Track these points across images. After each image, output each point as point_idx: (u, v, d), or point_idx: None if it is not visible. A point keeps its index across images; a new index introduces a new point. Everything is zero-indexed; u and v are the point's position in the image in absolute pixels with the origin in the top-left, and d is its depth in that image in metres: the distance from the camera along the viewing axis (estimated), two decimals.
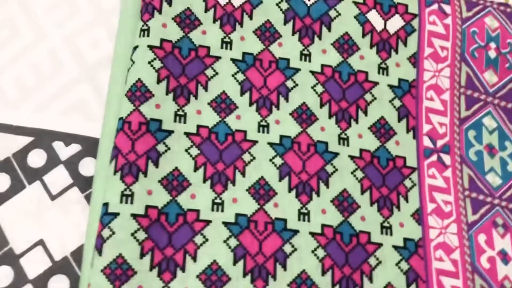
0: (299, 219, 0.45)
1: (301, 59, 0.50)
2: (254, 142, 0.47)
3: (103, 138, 0.47)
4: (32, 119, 0.49)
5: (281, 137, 0.47)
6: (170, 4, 0.48)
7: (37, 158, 0.48)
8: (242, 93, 0.48)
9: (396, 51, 0.52)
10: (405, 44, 0.52)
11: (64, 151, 0.48)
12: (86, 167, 0.48)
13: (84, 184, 0.47)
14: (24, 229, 0.46)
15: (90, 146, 0.48)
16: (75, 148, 0.48)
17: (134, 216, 0.42)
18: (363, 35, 0.52)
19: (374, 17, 0.52)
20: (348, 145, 0.48)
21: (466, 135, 0.50)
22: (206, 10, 0.49)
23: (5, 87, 0.50)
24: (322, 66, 0.50)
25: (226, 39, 0.49)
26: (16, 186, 0.47)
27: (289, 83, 0.49)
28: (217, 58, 0.48)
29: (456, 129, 0.50)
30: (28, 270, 0.44)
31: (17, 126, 0.49)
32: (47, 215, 0.46)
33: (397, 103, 0.50)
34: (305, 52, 0.50)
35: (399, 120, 0.50)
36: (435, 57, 0.52)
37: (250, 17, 0.50)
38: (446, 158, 0.49)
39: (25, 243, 0.45)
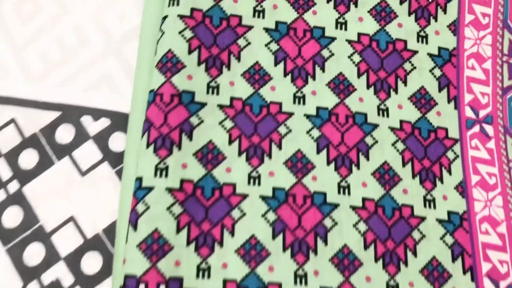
0: (339, 193, 0.43)
1: (336, 28, 0.48)
2: (290, 114, 0.45)
3: (133, 112, 0.45)
4: (58, 93, 0.48)
5: (318, 108, 0.45)
6: None
7: (65, 134, 0.46)
8: (276, 63, 0.46)
9: (436, 18, 0.50)
10: (444, 11, 0.50)
11: (93, 126, 0.46)
12: (116, 142, 0.46)
13: (115, 159, 0.46)
14: (54, 206, 0.44)
15: (119, 121, 0.47)
16: (104, 122, 0.47)
17: (169, 190, 0.41)
18: (401, 2, 0.50)
19: None
20: (388, 116, 0.46)
21: (509, 105, 0.48)
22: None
23: (29, 62, 0.49)
24: (359, 34, 0.48)
25: (258, 8, 0.47)
26: (45, 163, 0.46)
27: (325, 53, 0.47)
28: (250, 27, 0.47)
29: (499, 99, 0.48)
30: (60, 248, 0.43)
31: (43, 101, 0.47)
32: (77, 192, 0.45)
33: (438, 72, 0.48)
34: (341, 20, 0.48)
35: (440, 90, 0.48)
36: (476, 24, 0.50)
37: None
38: (489, 129, 0.47)
39: (56, 221, 0.44)
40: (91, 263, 0.43)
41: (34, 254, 0.43)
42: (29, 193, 0.45)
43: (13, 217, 0.44)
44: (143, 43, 0.47)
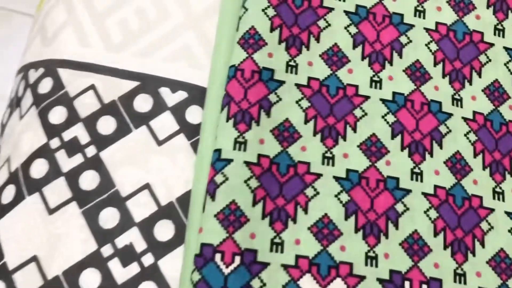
0: (411, 179, 0.44)
1: (415, 15, 0.48)
2: (366, 98, 0.45)
3: (211, 86, 0.46)
4: (137, 63, 0.49)
5: (394, 93, 0.46)
6: None
7: (143, 103, 0.47)
8: (355, 46, 0.47)
9: None
10: None
11: (171, 97, 0.47)
12: (193, 114, 0.47)
13: (191, 131, 0.46)
14: (131, 173, 0.45)
15: (196, 94, 0.47)
16: (181, 95, 0.47)
17: (247, 163, 0.42)
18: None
19: None
20: (461, 106, 0.46)
21: None
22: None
23: (109, 31, 0.50)
24: (437, 23, 0.48)
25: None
26: (122, 130, 0.47)
27: (403, 39, 0.47)
28: (330, 9, 0.47)
29: None
30: (134, 213, 0.44)
31: (123, 69, 0.48)
32: (154, 160, 0.46)
33: None
34: (420, 8, 0.48)
35: None
36: None
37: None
38: None
39: (131, 186, 0.45)
40: (164, 230, 0.44)
41: (109, 218, 0.44)
42: (106, 158, 0.46)
43: (89, 180, 0.45)
44: (223, 19, 0.48)
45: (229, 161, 0.42)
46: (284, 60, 0.45)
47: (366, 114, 0.45)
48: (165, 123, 0.47)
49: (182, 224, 0.44)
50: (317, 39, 0.46)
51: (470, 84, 0.47)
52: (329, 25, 0.47)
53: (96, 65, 0.49)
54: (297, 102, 0.45)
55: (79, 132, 0.47)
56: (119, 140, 0.46)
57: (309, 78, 0.45)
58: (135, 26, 0.50)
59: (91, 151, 0.46)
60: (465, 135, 0.46)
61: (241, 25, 0.46)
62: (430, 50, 0.47)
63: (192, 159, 0.46)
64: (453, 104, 0.46)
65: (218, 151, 0.42)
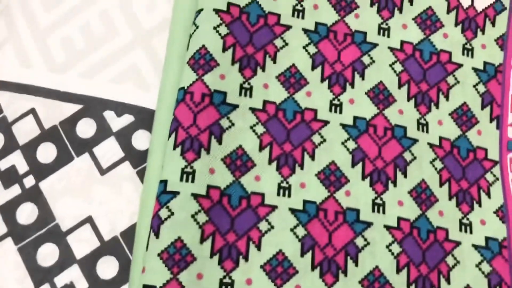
0: (373, 211, 0.41)
1: (379, 34, 0.45)
2: (325, 123, 0.42)
3: (160, 109, 0.43)
4: (81, 85, 0.45)
5: (355, 118, 0.43)
6: None
7: (86, 128, 0.44)
8: (314, 67, 0.43)
9: (483, 31, 0.47)
10: (493, 23, 0.47)
11: (116, 121, 0.44)
12: (140, 140, 0.44)
13: (137, 158, 0.43)
14: (72, 205, 0.42)
15: (144, 117, 0.44)
16: (127, 118, 0.44)
17: (195, 196, 0.38)
18: (448, 11, 0.47)
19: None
20: (427, 131, 0.43)
21: None
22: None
23: (52, 50, 0.46)
24: (402, 42, 0.45)
25: (298, 7, 0.44)
26: (63, 158, 0.43)
27: (366, 59, 0.44)
28: (288, 27, 0.44)
29: None
30: (75, 249, 0.41)
31: (65, 92, 0.45)
32: (96, 191, 0.42)
33: (481, 88, 0.46)
34: (384, 26, 0.45)
35: (483, 107, 0.45)
36: None
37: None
38: None
39: (72, 220, 0.42)
40: (107, 268, 0.40)
41: (47, 254, 0.41)
42: (46, 189, 0.42)
43: (27, 213, 0.42)
44: (173, 36, 0.44)
45: (175, 193, 0.38)
46: (237, 82, 0.42)
47: (325, 140, 0.42)
48: (109, 149, 0.43)
49: (127, 260, 0.41)
50: (274, 60, 0.43)
51: (437, 107, 0.44)
52: (287, 44, 0.44)
53: (37, 87, 0.45)
54: (251, 127, 0.41)
55: (17, 160, 0.43)
56: (60, 169, 0.43)
57: (265, 102, 0.42)
58: (80, 45, 0.46)
59: (29, 181, 0.43)
60: (430, 162, 0.43)
61: (191, 44, 0.42)
62: (395, 71, 0.44)
63: (138, 189, 0.42)
64: (418, 129, 0.43)
65: (163, 182, 0.39)
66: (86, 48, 0.46)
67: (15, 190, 0.42)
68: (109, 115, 0.44)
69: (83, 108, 0.44)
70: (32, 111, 0.44)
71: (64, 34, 0.47)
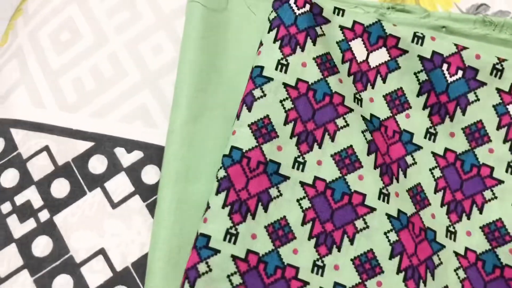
0: None
1: (425, 137, 0.47)
2: (372, 209, 0.43)
3: (169, 146, 0.45)
4: (92, 124, 0.48)
5: (399, 212, 0.44)
6: (314, 43, 0.45)
7: (98, 164, 0.46)
8: (369, 153, 0.45)
9: None
10: None
11: (126, 157, 0.47)
12: (149, 174, 0.46)
13: (146, 192, 0.46)
14: (85, 237, 0.44)
15: (152, 153, 0.47)
16: (137, 155, 0.47)
17: (234, 257, 0.40)
18: (498, 127, 0.47)
19: None
20: (454, 240, 0.45)
21: None
22: (343, 62, 0.47)
23: (64, 90, 0.49)
24: (446, 149, 0.47)
25: (357, 96, 0.46)
26: (76, 192, 0.46)
27: (409, 159, 0.46)
28: (351, 110, 0.45)
29: None
30: (88, 280, 0.43)
31: (77, 130, 0.48)
32: (108, 224, 0.45)
33: None
34: (432, 130, 0.47)
35: None
36: None
37: (384, 80, 0.47)
38: None
39: (85, 252, 0.44)
40: None
41: (62, 285, 0.43)
42: (60, 222, 0.45)
43: (42, 246, 0.44)
44: (181, 76, 0.47)
45: (216, 251, 0.40)
46: (292, 155, 0.44)
47: (367, 227, 0.43)
48: (120, 184, 0.46)
49: None
50: (332, 138, 0.45)
51: (468, 218, 0.46)
52: (348, 125, 0.45)
53: (50, 126, 0.48)
54: (298, 200, 0.43)
55: (32, 195, 0.46)
56: (73, 204, 0.45)
57: (315, 178, 0.44)
58: (90, 85, 0.49)
59: (44, 215, 0.45)
60: (454, 270, 0.44)
61: (256, 109, 0.44)
62: (433, 176, 0.46)
63: (147, 221, 0.45)
64: (446, 236, 0.45)
65: (207, 237, 0.40)
66: (96, 89, 0.49)
67: (31, 224, 0.45)
68: (119, 151, 0.47)
69: (95, 145, 0.47)
70: (46, 148, 0.47)
71: (75, 75, 0.50)
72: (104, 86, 0.49)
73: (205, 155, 0.45)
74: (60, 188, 0.46)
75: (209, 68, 0.47)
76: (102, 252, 0.44)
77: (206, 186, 0.43)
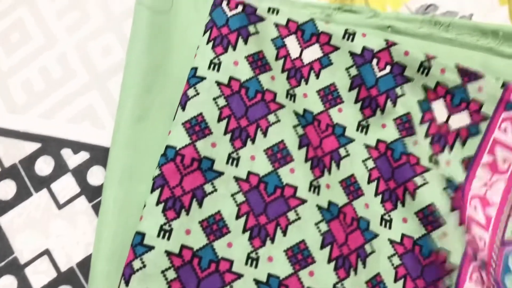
0: None
1: (357, 130, 0.48)
2: (303, 201, 0.44)
3: (114, 146, 0.46)
4: (39, 125, 0.48)
5: (330, 203, 0.45)
6: (246, 42, 0.46)
7: (44, 165, 0.47)
8: (300, 147, 0.46)
9: (451, 148, 0.48)
10: (463, 144, 0.48)
11: (72, 158, 0.47)
12: (95, 175, 0.47)
13: (92, 193, 0.46)
14: (30, 238, 0.45)
15: (98, 154, 0.47)
16: (83, 156, 0.47)
17: (168, 253, 0.41)
18: (421, 122, 0.48)
19: (439, 106, 0.48)
20: (390, 227, 0.46)
21: (505, 260, 0.46)
22: (277, 58, 0.47)
23: (12, 92, 0.49)
24: (378, 141, 0.48)
25: (291, 92, 0.47)
26: (22, 194, 0.46)
27: (342, 151, 0.47)
28: (282, 106, 0.46)
29: (495, 249, 0.46)
30: (33, 281, 0.43)
31: (24, 131, 0.48)
32: (54, 224, 0.45)
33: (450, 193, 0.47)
34: (364, 123, 0.48)
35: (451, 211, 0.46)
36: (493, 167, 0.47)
37: (317, 76, 0.48)
38: (484, 274, 0.45)
39: (30, 253, 0.44)
40: None
41: (6, 286, 0.43)
42: (5, 224, 0.45)
43: None
44: (128, 79, 0.47)
45: (150, 248, 0.41)
46: (226, 152, 0.44)
47: (299, 218, 0.44)
48: (66, 185, 0.46)
49: None
50: (265, 134, 0.46)
51: (403, 205, 0.46)
52: (279, 121, 0.46)
53: None
54: (232, 195, 0.44)
55: None
56: (19, 205, 0.46)
57: (249, 173, 0.44)
58: (39, 86, 0.50)
59: None
60: (388, 257, 0.45)
61: (189, 108, 0.44)
62: (366, 167, 0.47)
63: (92, 222, 0.45)
64: (380, 225, 0.45)
65: (141, 234, 0.41)
66: (45, 90, 0.49)
67: None
68: (66, 152, 0.47)
69: (42, 146, 0.47)
70: None
71: (24, 76, 0.50)
72: (53, 87, 0.50)
73: (149, 155, 0.45)
74: (7, 189, 0.46)
75: (155, 69, 0.47)
76: (47, 252, 0.44)
77: (149, 186, 0.44)
